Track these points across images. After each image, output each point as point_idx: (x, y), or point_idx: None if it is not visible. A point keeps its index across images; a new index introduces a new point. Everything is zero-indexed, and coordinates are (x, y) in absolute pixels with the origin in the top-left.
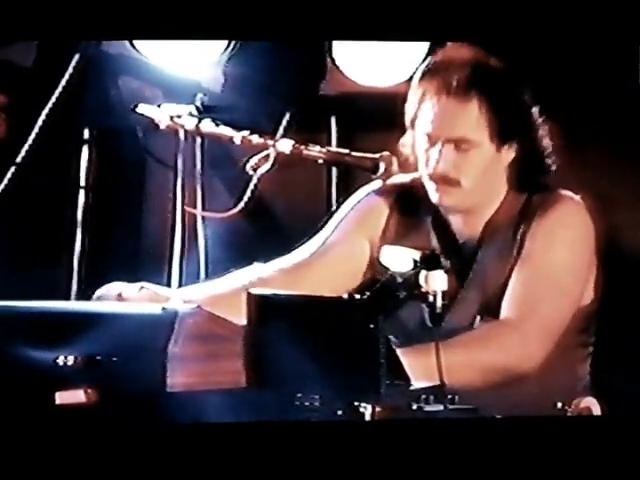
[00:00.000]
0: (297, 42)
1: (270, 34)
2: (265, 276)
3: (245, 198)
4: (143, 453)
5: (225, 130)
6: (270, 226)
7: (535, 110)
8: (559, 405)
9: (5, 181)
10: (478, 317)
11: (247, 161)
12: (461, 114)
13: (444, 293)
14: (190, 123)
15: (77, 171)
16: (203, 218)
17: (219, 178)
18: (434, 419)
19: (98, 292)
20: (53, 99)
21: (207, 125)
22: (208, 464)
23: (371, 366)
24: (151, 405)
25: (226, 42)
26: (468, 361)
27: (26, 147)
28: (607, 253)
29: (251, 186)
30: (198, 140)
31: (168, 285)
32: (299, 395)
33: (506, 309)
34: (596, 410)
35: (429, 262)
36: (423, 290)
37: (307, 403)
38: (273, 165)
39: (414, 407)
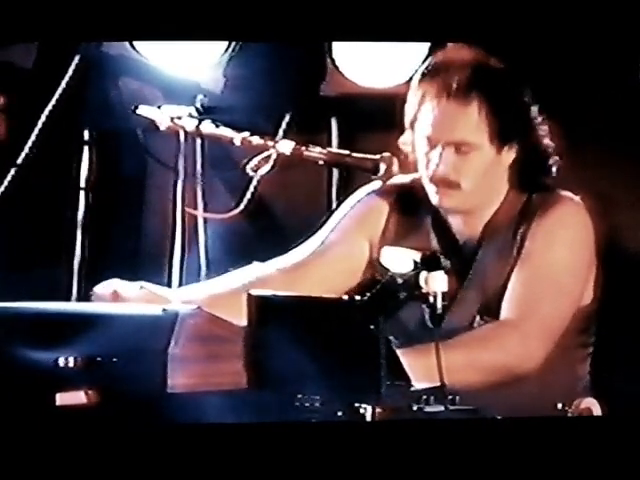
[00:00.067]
0: (297, 43)
1: (270, 35)
2: (264, 275)
3: (245, 199)
4: (144, 454)
5: (225, 131)
6: (270, 227)
7: (535, 109)
8: (559, 406)
9: (5, 182)
10: (478, 317)
11: (247, 162)
12: (461, 117)
13: (444, 294)
14: (190, 124)
15: (77, 172)
16: (204, 219)
17: (219, 179)
18: (435, 420)
19: (96, 288)
20: (53, 100)
21: (207, 126)
22: (209, 465)
23: (371, 367)
24: (152, 406)
25: (226, 43)
26: (468, 361)
27: (26, 148)
28: (607, 253)
29: (251, 187)
30: (198, 141)
31: (169, 286)
32: (299, 396)
33: (506, 309)
34: (596, 411)
35: (429, 263)
36: (423, 291)
37: (307, 404)
38: (273, 166)
39: (414, 408)
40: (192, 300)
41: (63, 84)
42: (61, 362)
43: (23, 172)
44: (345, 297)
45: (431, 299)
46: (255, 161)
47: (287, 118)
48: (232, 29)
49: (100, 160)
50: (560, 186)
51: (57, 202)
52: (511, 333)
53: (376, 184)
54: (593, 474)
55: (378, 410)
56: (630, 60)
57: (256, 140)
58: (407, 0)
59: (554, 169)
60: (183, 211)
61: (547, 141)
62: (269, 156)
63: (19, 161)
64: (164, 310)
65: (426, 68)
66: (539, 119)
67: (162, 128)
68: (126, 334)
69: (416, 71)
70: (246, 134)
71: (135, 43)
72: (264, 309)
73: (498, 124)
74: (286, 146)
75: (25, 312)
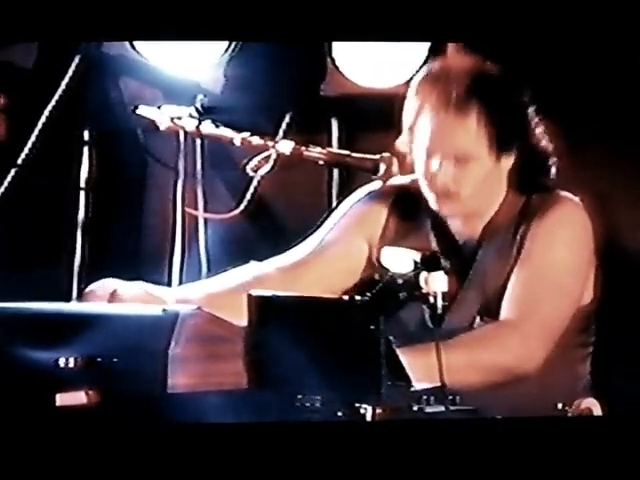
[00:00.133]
0: (297, 43)
1: (270, 35)
2: (261, 275)
3: (246, 199)
4: (144, 454)
5: (225, 131)
6: (271, 227)
7: (532, 110)
8: (560, 406)
9: (6, 182)
10: (478, 317)
11: (247, 162)
12: (460, 129)
13: (444, 294)
14: (190, 124)
15: (77, 172)
16: (204, 219)
17: (219, 179)
18: (435, 420)
19: (92, 286)
20: (53, 100)
21: (207, 126)
22: (209, 465)
23: (372, 367)
24: (152, 406)
25: (226, 43)
26: (468, 361)
27: (27, 148)
28: (607, 253)
29: (252, 187)
30: (198, 141)
31: (169, 286)
32: (300, 396)
33: (506, 309)
34: (597, 411)
35: (429, 263)
36: (423, 291)
37: (308, 404)
38: (273, 166)
39: (415, 408)
40: (189, 299)
41: (63, 84)
42: (61, 362)
43: (23, 172)
44: (345, 297)
45: (431, 299)
46: (255, 161)
47: (287, 118)
48: (232, 29)
49: (100, 160)
50: (560, 186)
51: (57, 202)
52: (511, 333)
53: (375, 185)
54: (593, 474)
55: (378, 410)
56: (630, 60)
57: (256, 140)
58: (407, 0)
59: (553, 170)
60: (183, 211)
61: (545, 142)
62: (269, 156)
63: (19, 161)
64: (164, 310)
65: (423, 77)
66: (536, 120)
67: (162, 128)
68: (126, 334)
69: (415, 74)
70: (246, 134)
71: (135, 43)
72: (264, 309)
73: (497, 134)
74: (286, 146)
75: (25, 312)
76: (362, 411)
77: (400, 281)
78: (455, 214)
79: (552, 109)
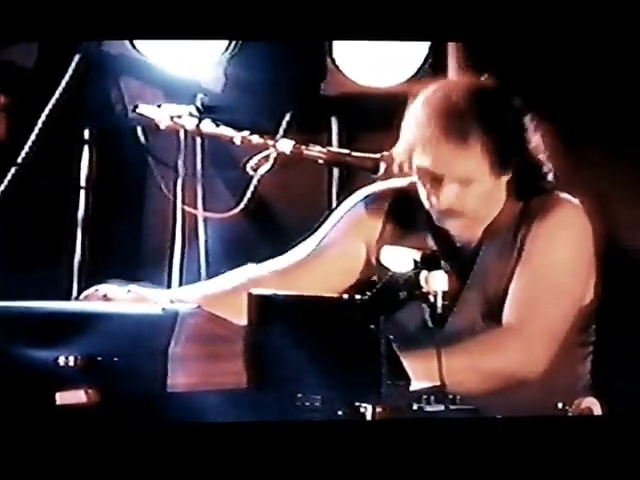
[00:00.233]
0: (297, 42)
1: (271, 34)
2: (258, 277)
3: (245, 198)
4: (143, 453)
5: (225, 130)
6: (270, 226)
7: (529, 119)
8: (560, 405)
9: (6, 181)
10: (480, 319)
11: (247, 161)
12: (462, 158)
13: (445, 293)
14: (190, 123)
15: (77, 171)
16: (204, 218)
17: (219, 178)
18: (435, 419)
19: (85, 292)
20: (54, 99)
21: (207, 125)
22: (209, 464)
23: (372, 366)
24: (152, 405)
25: (227, 42)
26: (471, 368)
27: (27, 147)
28: (607, 253)
29: (251, 186)
30: (198, 140)
31: (169, 286)
32: (300, 395)
33: (508, 314)
34: (597, 410)
35: (430, 262)
36: (424, 290)
37: (308, 403)
38: (273, 165)
39: (415, 407)
40: (186, 301)
41: (63, 83)
42: (61, 361)
43: (23, 171)
44: (345, 296)
45: (431, 298)
46: (255, 160)
47: (287, 117)
48: (232, 28)
49: (100, 159)
50: (559, 188)
51: (57, 201)
52: (514, 339)
53: (373, 187)
54: (593, 474)
55: (378, 409)
56: (630, 60)
57: (256, 139)
58: (407, 0)
59: (550, 176)
60: (183, 210)
61: (542, 150)
62: (269, 155)
63: (19, 160)
64: (164, 309)
65: (423, 103)
66: (533, 129)
67: (162, 127)
68: (126, 333)
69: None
70: (246, 133)
71: (135, 42)
72: (264, 308)
73: (498, 157)
74: (286, 145)
75: (25, 312)
76: (362, 410)
77: (400, 280)
78: (456, 226)
79: (552, 110)
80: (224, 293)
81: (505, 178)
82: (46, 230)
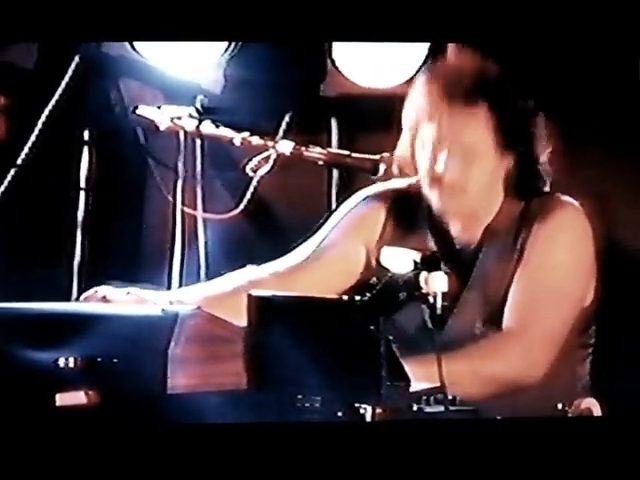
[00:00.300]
0: (297, 43)
1: (270, 35)
2: (257, 279)
3: (245, 199)
4: (144, 455)
5: (225, 131)
6: (270, 227)
7: (535, 118)
8: (559, 406)
9: (6, 182)
10: (479, 323)
11: (247, 162)
12: (469, 120)
13: (444, 294)
14: (190, 124)
15: (77, 172)
16: (203, 219)
17: (219, 179)
18: (435, 420)
19: (84, 294)
20: (53, 101)
21: (207, 126)
22: (208, 465)
23: (371, 367)
24: (152, 406)
25: (226, 43)
26: (472, 374)
27: (27, 148)
28: (607, 254)
29: (251, 187)
30: (198, 141)
31: (169, 287)
32: (299, 396)
33: (508, 318)
34: (596, 411)
35: (429, 263)
36: (423, 291)
37: (307, 404)
38: (273, 166)
39: (415, 408)
40: (186, 302)
41: (63, 84)
42: (61, 362)
43: (23, 172)
44: (345, 297)
45: (431, 299)
46: (255, 161)
47: (287, 118)
48: (232, 29)
49: (100, 160)
50: (559, 189)
51: (57, 202)
52: (514, 345)
53: (372, 189)
54: (593, 474)
55: (378, 410)
56: (630, 60)
57: (256, 140)
58: (407, 0)
59: (549, 177)
60: (183, 211)
61: (544, 148)
62: (269, 156)
63: (19, 161)
64: (164, 310)
65: (428, 75)
66: (539, 128)
67: (162, 128)
68: (126, 334)
69: (415, 74)
70: (246, 134)
71: (135, 44)
72: (264, 309)
73: (504, 130)
74: (286, 146)
75: (25, 312)
76: (362, 411)
77: (400, 281)
78: (457, 211)
79: (552, 110)
80: (224, 294)
81: (506, 163)
82: (46, 230)
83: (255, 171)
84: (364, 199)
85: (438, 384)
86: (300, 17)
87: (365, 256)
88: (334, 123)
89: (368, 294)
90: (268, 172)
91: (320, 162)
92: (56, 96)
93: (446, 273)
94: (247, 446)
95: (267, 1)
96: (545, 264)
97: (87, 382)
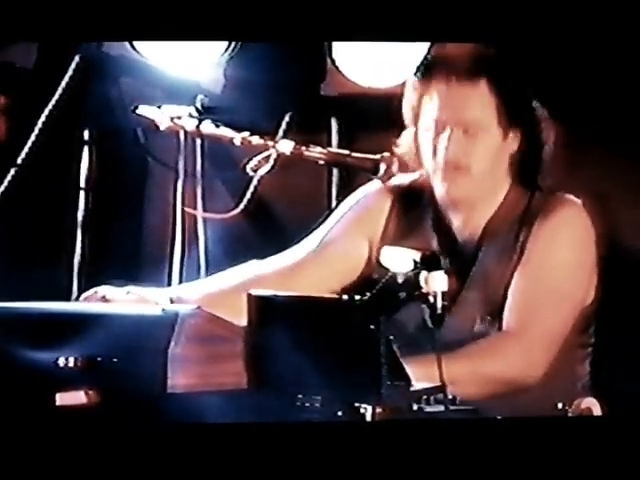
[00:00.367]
0: (297, 43)
1: (270, 35)
2: (260, 274)
3: (245, 199)
4: (144, 454)
5: (225, 131)
6: (270, 227)
7: (537, 105)
8: (560, 406)
9: (5, 182)
10: (478, 319)
11: (247, 162)
12: (470, 95)
13: (444, 294)
14: (190, 124)
15: (77, 172)
16: (203, 219)
17: (219, 179)
18: (435, 420)
19: (85, 294)
20: (53, 100)
21: (207, 126)
22: (208, 465)
23: (372, 367)
24: (152, 406)
25: (226, 43)
26: (472, 374)
27: (26, 148)
28: (607, 253)
29: (251, 187)
30: (198, 141)
31: (169, 286)
32: (300, 396)
33: (508, 318)
34: (597, 410)
35: (429, 263)
36: (423, 291)
37: (308, 404)
38: (273, 166)
39: (415, 408)
40: (185, 300)
41: (63, 84)
42: (61, 362)
43: (23, 172)
44: (345, 297)
45: (431, 299)
46: (255, 161)
47: (287, 118)
48: (232, 29)
49: (100, 160)
50: (561, 187)
51: (57, 202)
52: (514, 345)
53: (376, 184)
54: (593, 474)
55: (378, 410)
56: (631, 60)
57: (256, 140)
58: (407, 0)
59: (555, 164)
60: (183, 211)
61: (549, 134)
62: (269, 156)
63: (19, 161)
64: (164, 310)
65: (429, 58)
66: (542, 113)
67: (162, 128)
68: (126, 334)
69: (417, 70)
70: (246, 134)
71: (135, 43)
72: (264, 309)
73: (506, 105)
74: (286, 146)
75: (25, 312)
76: (362, 411)
77: (400, 281)
78: (461, 196)
79: (552, 109)
80: (226, 290)
81: (510, 146)
82: (46, 230)
83: (255, 171)
84: (368, 194)
85: (438, 384)
86: (300, 17)
87: (367, 251)
88: (334, 123)
89: (368, 294)
90: (268, 172)
91: (320, 162)
92: (56, 96)
93: (446, 270)
94: (247, 446)
95: (267, 1)
96: (546, 263)
97: (87, 382)
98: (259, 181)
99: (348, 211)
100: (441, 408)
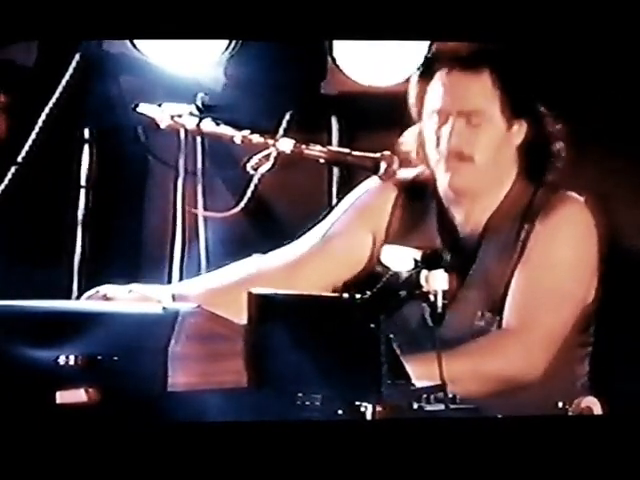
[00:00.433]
0: (298, 42)
1: (271, 34)
2: (264, 267)
3: (246, 198)
4: (143, 453)
5: (226, 129)
6: (271, 226)
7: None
8: (560, 404)
9: (6, 181)
10: (479, 313)
11: (248, 160)
12: (473, 84)
13: (445, 292)
14: (191, 122)
15: (78, 170)
16: (204, 217)
17: (220, 177)
18: (435, 418)
19: (87, 294)
20: (54, 99)
21: (208, 124)
22: (208, 464)
23: (372, 365)
24: (152, 405)
25: (227, 42)
26: (472, 372)
27: (27, 147)
28: (607, 253)
29: (252, 185)
30: (199, 139)
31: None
32: (300, 395)
33: (509, 316)
34: (597, 410)
35: (430, 261)
36: (424, 290)
37: (308, 402)
38: (274, 164)
39: (415, 406)
40: (189, 295)
41: (64, 82)
42: (61, 360)
43: (23, 170)
44: (345, 295)
45: (431, 297)
46: (255, 159)
47: (287, 116)
48: (233, 27)
49: (100, 158)
50: (564, 185)
51: (57, 200)
52: (514, 343)
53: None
54: (593, 474)
55: (378, 409)
56: (633, 59)
57: (256, 138)
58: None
59: (562, 157)
60: (183, 209)
61: (554, 127)
62: (269, 154)
63: (19, 159)
64: (164, 308)
65: (432, 49)
66: (544, 108)
67: (162, 126)
68: (126, 332)
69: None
70: (246, 132)
71: (136, 41)
72: (264, 307)
73: (509, 95)
74: (286, 144)
75: (25, 311)
76: (362, 409)
77: (400, 279)
78: (465, 187)
79: (554, 109)
80: (229, 286)
81: (516, 138)
82: (46, 229)
83: (256, 169)
84: (372, 188)
85: (438, 382)
86: (301, 15)
87: (371, 245)
88: (335, 121)
89: (368, 292)
90: (269, 170)
91: (321, 160)
92: (56, 94)
93: (448, 265)
94: (247, 444)
95: (267, 0)
96: (547, 262)
97: (87, 380)
98: (259, 179)
99: (351, 205)
100: (441, 407)
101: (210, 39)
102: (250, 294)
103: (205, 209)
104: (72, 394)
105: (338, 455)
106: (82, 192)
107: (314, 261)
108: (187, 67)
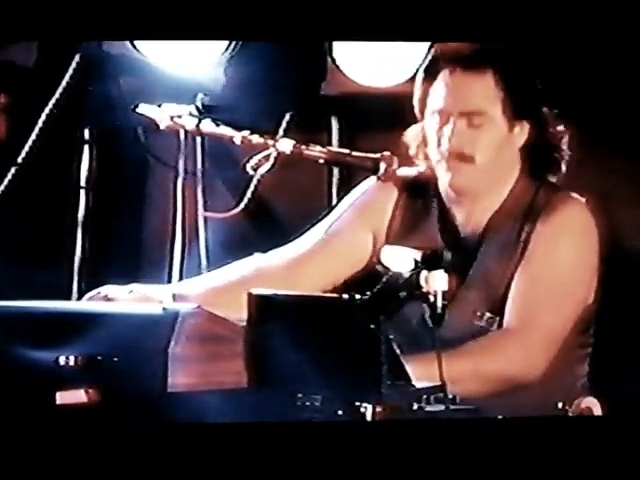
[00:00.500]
0: (298, 42)
1: (271, 34)
2: (265, 266)
3: (246, 198)
4: (144, 453)
5: (225, 130)
6: (271, 226)
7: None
8: (560, 405)
9: (6, 181)
10: (479, 313)
11: (248, 161)
12: (475, 85)
13: (445, 293)
14: (190, 123)
15: (78, 171)
16: (204, 218)
17: (220, 178)
18: (435, 419)
19: (88, 295)
20: (54, 99)
21: (207, 125)
22: (209, 464)
23: (372, 366)
24: (152, 405)
25: (227, 42)
26: (472, 372)
27: (27, 147)
28: (607, 253)
29: (252, 186)
30: (199, 140)
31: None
32: (300, 395)
33: (510, 316)
34: (597, 410)
35: (430, 262)
36: (424, 290)
37: (308, 403)
38: (274, 165)
39: (415, 407)
40: (189, 295)
41: (64, 83)
42: (61, 361)
43: (23, 171)
44: (345, 296)
45: (431, 298)
46: (255, 160)
47: (287, 117)
48: (233, 28)
49: (100, 159)
50: (565, 186)
51: (57, 201)
52: (515, 343)
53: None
54: (593, 474)
55: (378, 409)
56: (635, 60)
57: (256, 139)
58: (407, 0)
59: (563, 156)
60: (183, 210)
61: (558, 128)
62: (269, 155)
63: (19, 160)
64: (164, 309)
65: (435, 49)
66: (548, 108)
67: (162, 127)
68: (127, 333)
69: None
70: (246, 133)
71: (136, 42)
72: (265, 308)
73: (511, 97)
74: (286, 145)
75: (25, 311)
76: (362, 410)
77: (400, 280)
78: (466, 187)
79: (558, 109)
80: (230, 285)
81: (518, 139)
82: (46, 230)
83: (255, 170)
84: (373, 187)
85: (438, 383)
86: (301, 16)
87: (372, 244)
88: (334, 122)
89: (368, 293)
90: (268, 171)
91: (320, 161)
92: (56, 95)
93: (449, 264)
94: (247, 445)
95: (267, 1)
96: (548, 262)
97: (87, 380)
98: (259, 180)
99: (352, 204)
100: (441, 407)
101: (210, 40)
102: (250, 295)
103: (205, 209)
104: (72, 395)
105: (338, 456)
106: (82, 192)
107: (315, 259)
108: (187, 68)
